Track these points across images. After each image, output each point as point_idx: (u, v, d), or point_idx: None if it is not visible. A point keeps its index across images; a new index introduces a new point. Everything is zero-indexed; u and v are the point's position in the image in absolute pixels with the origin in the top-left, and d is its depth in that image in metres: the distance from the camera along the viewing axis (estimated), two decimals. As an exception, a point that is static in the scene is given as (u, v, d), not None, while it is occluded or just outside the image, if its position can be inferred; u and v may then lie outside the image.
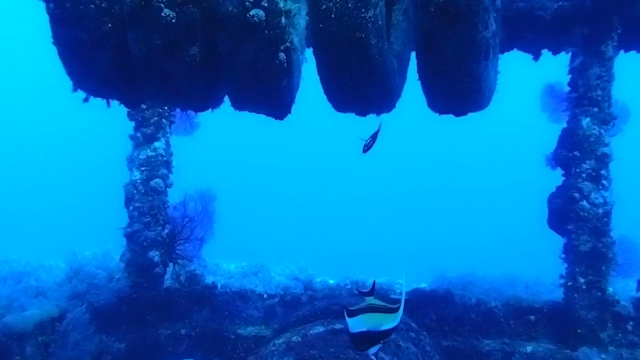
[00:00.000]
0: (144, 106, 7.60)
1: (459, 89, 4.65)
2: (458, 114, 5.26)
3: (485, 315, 7.87)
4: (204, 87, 5.10)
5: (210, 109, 5.60)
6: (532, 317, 7.75)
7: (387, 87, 5.02)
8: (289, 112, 5.48)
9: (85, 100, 5.19)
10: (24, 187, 54.33)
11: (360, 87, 4.97)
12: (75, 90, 4.89)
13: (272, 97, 5.06)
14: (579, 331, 7.23)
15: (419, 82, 5.20)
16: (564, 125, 7.68)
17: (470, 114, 5.44)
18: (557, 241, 7.88)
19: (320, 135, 59.68)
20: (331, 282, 10.13)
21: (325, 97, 5.35)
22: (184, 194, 8.55)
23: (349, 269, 11.25)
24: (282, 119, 5.50)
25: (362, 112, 5.47)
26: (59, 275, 9.12)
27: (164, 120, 8.07)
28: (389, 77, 4.87)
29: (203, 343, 7.85)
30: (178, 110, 8.00)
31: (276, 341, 5.62)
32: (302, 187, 58.20)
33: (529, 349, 7.44)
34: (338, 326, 5.54)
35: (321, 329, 5.55)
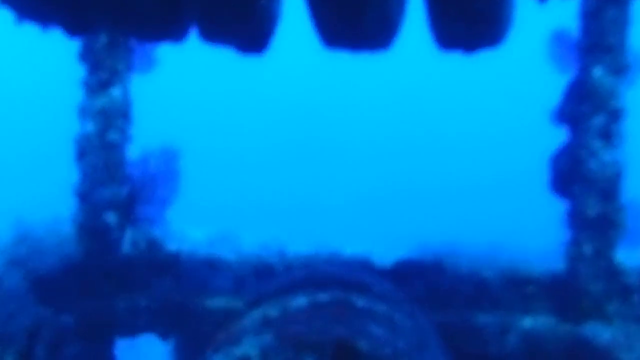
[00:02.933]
0: (97, 40, 6.70)
1: (476, 7, 3.97)
2: (468, 48, 4.59)
3: (478, 286, 7.40)
4: (163, 11, 4.32)
5: (172, 41, 4.80)
6: (530, 288, 7.28)
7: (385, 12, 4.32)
8: (268, 45, 4.74)
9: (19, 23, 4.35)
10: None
11: (356, 12, 4.26)
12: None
13: (247, 22, 4.31)
14: (582, 304, 6.78)
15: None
16: (573, 76, 7.10)
17: (480, 52, 4.79)
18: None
19: (300, 79, 57.72)
20: (304, 251, 9.57)
21: (310, 30, 4.65)
22: (144, 150, 7.75)
23: (323, 235, 10.70)
24: (261, 53, 4.75)
25: (355, 48, 4.77)
26: (3, 241, 8.28)
27: (121, 64, 7.21)
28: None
29: (165, 316, 7.24)
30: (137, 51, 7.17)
31: (250, 315, 4.99)
32: (276, 140, 56.62)
33: (527, 323, 7.00)
34: (322, 297, 4.92)
35: (303, 300, 4.93)
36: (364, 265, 7.51)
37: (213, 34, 4.56)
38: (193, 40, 4.77)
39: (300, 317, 4.58)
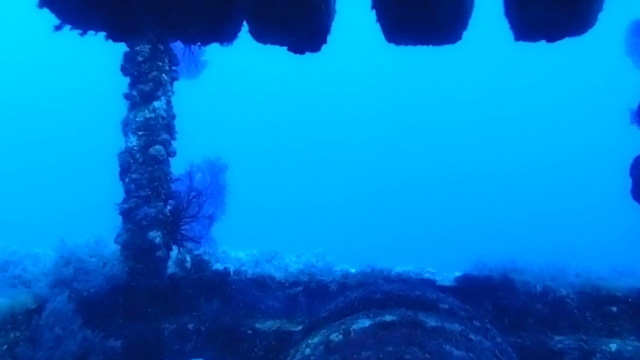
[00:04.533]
0: (139, 51, 6.46)
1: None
2: (553, 35, 4.12)
3: (554, 305, 6.77)
4: (214, 6, 4.01)
5: (221, 41, 4.49)
6: (614, 309, 6.63)
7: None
8: (325, 41, 4.38)
9: (58, 28, 4.10)
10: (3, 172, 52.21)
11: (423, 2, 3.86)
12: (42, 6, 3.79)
13: (304, 15, 3.95)
14: (676, 324, 6.10)
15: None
16: (655, 72, 6.51)
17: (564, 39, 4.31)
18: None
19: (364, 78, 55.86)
20: (352, 270, 9.12)
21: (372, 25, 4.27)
22: (189, 164, 7.48)
23: (368, 257, 10.26)
24: (317, 50, 4.39)
25: (422, 40, 4.36)
26: (47, 265, 8.11)
27: (164, 75, 6.97)
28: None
29: (214, 340, 6.84)
30: (180, 59, 6.92)
31: (310, 341, 4.55)
32: (323, 159, 55.79)
33: (613, 347, 6.32)
34: (388, 318, 4.44)
35: (367, 322, 4.46)
36: (423, 282, 7.00)
37: (266, 31, 4.23)
38: (244, 40, 4.46)
39: (368, 341, 4.11)
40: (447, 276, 8.67)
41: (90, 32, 4.02)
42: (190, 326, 6.77)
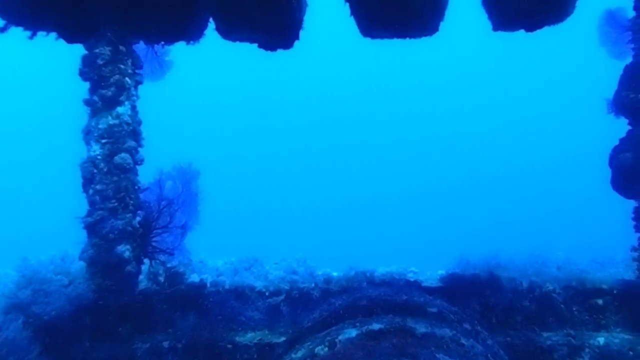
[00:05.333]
0: (99, 54, 6.13)
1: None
2: (532, 24, 3.99)
3: (541, 301, 6.69)
4: (176, 2, 3.77)
5: (186, 40, 4.26)
6: (600, 301, 6.57)
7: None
8: (297, 37, 4.18)
9: (3, 30, 3.80)
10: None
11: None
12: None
13: (273, 10, 3.74)
14: (663, 315, 6.06)
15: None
16: (629, 60, 6.46)
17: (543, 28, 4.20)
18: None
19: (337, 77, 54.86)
20: (335, 274, 8.94)
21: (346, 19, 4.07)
22: (158, 172, 7.18)
23: (350, 259, 10.09)
24: (289, 47, 4.18)
25: (399, 33, 4.19)
26: (8, 286, 7.70)
27: (127, 79, 6.66)
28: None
29: (192, 357, 6.55)
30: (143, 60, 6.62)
31: (293, 355, 4.32)
32: (298, 162, 55.00)
33: (600, 340, 6.25)
34: (376, 326, 4.24)
35: (354, 332, 4.24)
36: (409, 285, 6.85)
37: (233, 28, 4.01)
38: (210, 38, 4.23)
39: (356, 354, 3.91)
40: (431, 275, 8.55)
41: (41, 34, 3.73)
42: (166, 344, 6.46)
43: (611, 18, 6.81)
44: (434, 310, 4.60)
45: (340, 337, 4.22)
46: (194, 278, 7.63)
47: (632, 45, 6.42)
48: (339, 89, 57.61)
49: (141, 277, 7.04)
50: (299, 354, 4.32)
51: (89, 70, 6.47)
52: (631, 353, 6.05)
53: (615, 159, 6.65)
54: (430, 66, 54.39)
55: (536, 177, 48.52)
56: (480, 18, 4.36)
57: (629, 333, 6.34)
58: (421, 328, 4.07)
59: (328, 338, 4.29)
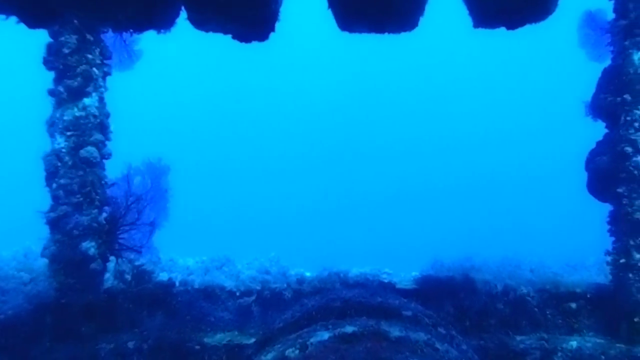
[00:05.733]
0: (64, 42, 5.92)
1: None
2: (513, 22, 3.95)
3: (515, 305, 6.68)
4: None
5: (157, 29, 4.10)
6: (573, 305, 6.59)
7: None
8: (273, 28, 4.06)
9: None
10: None
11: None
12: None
13: (249, 0, 3.62)
14: (635, 319, 6.08)
15: None
16: (608, 63, 6.49)
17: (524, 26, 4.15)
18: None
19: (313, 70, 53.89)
20: (308, 274, 8.85)
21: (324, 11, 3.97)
22: (127, 166, 6.99)
23: (324, 260, 10.02)
24: (265, 39, 4.06)
25: (377, 27, 4.10)
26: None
27: (95, 69, 6.47)
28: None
29: (158, 358, 6.37)
30: (112, 55, 6.43)
31: (263, 357, 4.21)
32: (273, 157, 53.89)
33: (573, 344, 6.27)
34: (349, 329, 4.15)
35: (326, 335, 4.14)
36: (384, 287, 6.78)
37: (206, 18, 3.87)
38: (182, 27, 4.09)
39: (327, 356, 3.81)
40: (404, 277, 8.50)
41: (0, 17, 3.55)
42: (131, 344, 6.28)
43: (591, 20, 6.84)
44: (409, 313, 4.53)
45: (312, 340, 4.11)
46: (163, 277, 7.46)
47: (611, 48, 6.45)
48: (316, 84, 57.21)
49: (107, 275, 6.85)
50: (269, 356, 4.21)
51: (54, 59, 6.27)
52: (603, 357, 6.07)
53: (592, 162, 6.67)
54: (409, 63, 54.43)
55: (512, 180, 49.03)
56: (460, 14, 4.31)
57: (601, 337, 6.37)
58: (395, 331, 3.99)
59: (299, 340, 4.18)
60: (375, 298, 4.99)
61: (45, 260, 6.58)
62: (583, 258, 10.07)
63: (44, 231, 6.46)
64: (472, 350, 5.01)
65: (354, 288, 6.27)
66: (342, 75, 56.88)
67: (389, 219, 46.21)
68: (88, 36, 6.02)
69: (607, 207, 6.70)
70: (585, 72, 6.91)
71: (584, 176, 6.85)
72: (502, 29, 4.36)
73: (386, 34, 4.21)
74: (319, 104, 57.28)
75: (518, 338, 6.44)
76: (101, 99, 6.59)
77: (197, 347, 6.38)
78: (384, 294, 5.24)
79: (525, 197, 45.60)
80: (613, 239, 6.51)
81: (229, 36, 4.11)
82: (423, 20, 4.21)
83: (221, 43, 4.24)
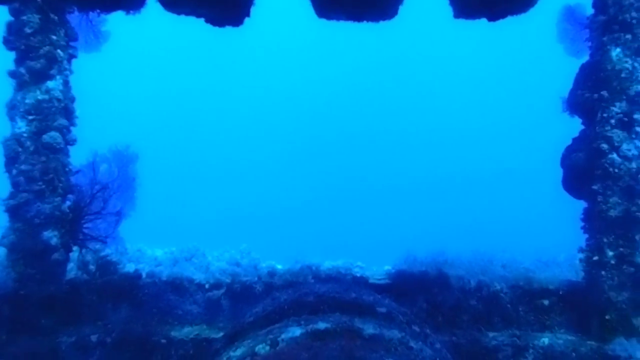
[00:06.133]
0: (27, 21, 5.68)
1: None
2: (495, 13, 3.90)
3: (488, 301, 6.70)
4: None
5: (125, 9, 3.94)
6: (546, 302, 6.63)
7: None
8: (248, 13, 3.94)
9: None
10: None
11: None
12: None
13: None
14: (607, 317, 6.14)
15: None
16: (586, 58, 6.52)
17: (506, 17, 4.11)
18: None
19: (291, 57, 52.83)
20: (279, 267, 8.78)
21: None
22: (92, 153, 6.80)
23: (296, 252, 9.95)
24: (239, 24, 3.94)
25: (355, 15, 4.00)
26: None
27: (59, 51, 6.23)
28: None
29: (122, 352, 6.22)
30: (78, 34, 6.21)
31: (232, 353, 4.10)
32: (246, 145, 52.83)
33: (545, 341, 6.31)
34: (322, 325, 4.07)
35: (298, 331, 4.05)
36: (358, 282, 6.74)
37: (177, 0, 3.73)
38: (152, 9, 3.93)
39: (299, 354, 3.73)
40: (377, 271, 8.47)
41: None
42: (94, 337, 6.11)
43: (570, 14, 6.85)
44: (383, 310, 4.47)
45: (283, 336, 4.02)
46: (130, 267, 7.29)
47: (589, 44, 6.47)
48: (293, 73, 56.54)
49: (70, 265, 6.65)
50: (238, 352, 4.11)
51: (15, 38, 6.02)
52: (574, 354, 6.13)
53: (568, 159, 6.70)
54: (388, 54, 54.22)
55: (487, 174, 49.40)
56: (441, 4, 4.24)
57: (572, 334, 6.42)
58: (369, 329, 3.92)
59: (270, 336, 4.09)
60: (349, 293, 4.92)
61: (3, 250, 6.37)
62: (555, 254, 10.16)
63: (3, 219, 6.25)
64: (445, 349, 4.99)
65: (328, 282, 6.20)
66: (320, 65, 56.48)
67: (362, 212, 46.30)
68: (52, 16, 5.79)
69: (579, 204, 6.75)
70: (563, 68, 6.92)
71: (559, 172, 6.88)
72: (483, 21, 4.32)
73: (365, 22, 4.11)
74: (295, 93, 56.76)
75: (490, 334, 6.45)
76: (66, 82, 6.37)
77: (164, 341, 6.25)
78: (358, 290, 5.18)
79: (499, 192, 46.10)
80: (587, 236, 6.57)
81: (202, 20, 3.97)
82: (404, 10, 4.14)
83: (195, 27, 4.09)
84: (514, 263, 9.63)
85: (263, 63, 54.99)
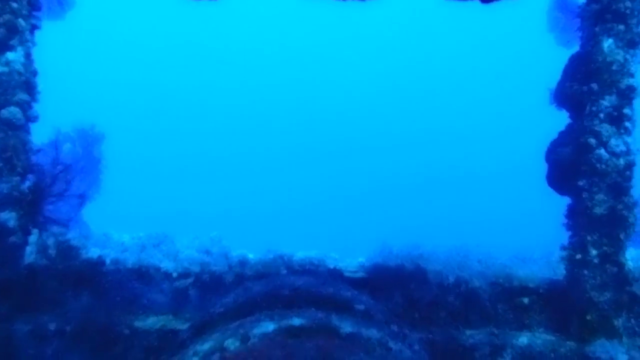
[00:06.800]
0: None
1: None
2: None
3: (466, 297, 6.60)
4: None
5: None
6: (525, 300, 6.56)
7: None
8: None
9: None
10: None
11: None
12: None
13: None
14: (588, 317, 6.09)
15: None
16: (577, 49, 6.44)
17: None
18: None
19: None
20: (251, 256, 8.60)
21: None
22: (55, 132, 6.52)
23: (268, 241, 9.78)
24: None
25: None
26: None
27: (21, 20, 5.92)
28: None
29: (82, 341, 6.01)
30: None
31: (199, 347, 3.92)
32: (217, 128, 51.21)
33: (523, 340, 6.24)
34: (297, 321, 3.90)
35: (271, 326, 3.89)
36: (334, 275, 6.58)
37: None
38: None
39: (272, 352, 3.56)
40: (351, 263, 8.35)
41: None
42: (52, 326, 5.90)
43: (561, 2, 6.75)
44: (361, 307, 4.33)
45: (255, 331, 3.85)
46: (94, 252, 7.03)
47: (580, 34, 6.37)
48: (271, 52, 55.31)
49: (29, 249, 6.38)
50: (206, 345, 3.93)
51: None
52: (553, 355, 6.07)
53: (553, 153, 6.61)
54: (373, 36, 53.50)
55: (464, 169, 49.55)
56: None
57: (551, 334, 6.36)
58: (347, 327, 3.77)
59: (241, 331, 3.91)
60: (326, 288, 4.76)
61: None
62: (531, 251, 10.13)
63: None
64: (422, 347, 4.88)
65: (303, 275, 6.04)
66: (299, 44, 55.38)
67: (337, 205, 46.22)
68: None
69: (556, 201, 6.69)
70: (553, 58, 6.82)
71: (540, 167, 6.81)
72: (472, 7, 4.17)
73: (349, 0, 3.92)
74: (272, 74, 55.58)
75: (468, 332, 6.37)
76: (28, 55, 6.07)
77: (127, 331, 6.06)
78: (336, 284, 5.02)
79: (476, 186, 46.37)
80: (570, 233, 6.50)
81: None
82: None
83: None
84: (490, 259, 9.60)
85: (241, 40, 53.76)
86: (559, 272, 7.15)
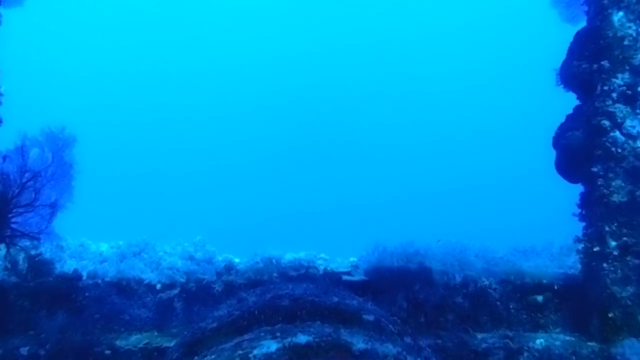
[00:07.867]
0: None
1: None
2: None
3: (475, 298, 6.30)
4: None
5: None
6: (539, 298, 6.26)
7: None
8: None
9: None
10: None
11: None
12: None
13: None
14: (610, 315, 5.77)
15: None
16: (583, 25, 6.17)
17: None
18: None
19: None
20: (237, 260, 8.27)
21: None
22: (21, 136, 6.16)
23: (254, 244, 9.45)
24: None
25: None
26: None
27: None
28: None
29: (58, 365, 5.66)
30: None
31: (187, 372, 3.54)
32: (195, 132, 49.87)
33: (540, 342, 5.93)
34: (302, 339, 3.51)
35: (274, 345, 3.50)
36: (332, 279, 6.25)
37: None
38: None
39: (275, 379, 3.19)
40: (342, 262, 8.07)
41: None
42: (24, 350, 5.66)
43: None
44: (371, 318, 3.95)
45: (256, 352, 3.45)
46: (70, 265, 6.69)
47: (586, 8, 6.10)
48: (254, 45, 54.00)
49: (-4, 266, 6.04)
50: (198, 368, 3.55)
51: None
52: (574, 358, 5.76)
53: (562, 138, 6.32)
54: (373, 38, 52.71)
55: (458, 159, 49.15)
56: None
57: (569, 334, 6.06)
58: (359, 343, 3.40)
59: (239, 351, 3.52)
60: (330, 297, 4.37)
61: None
62: (532, 244, 9.87)
63: None
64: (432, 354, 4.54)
65: (301, 282, 5.68)
66: (297, 45, 54.22)
67: (323, 203, 45.91)
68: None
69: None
70: (557, 36, 6.53)
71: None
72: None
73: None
74: (255, 69, 54.41)
75: (479, 336, 6.07)
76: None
77: (108, 351, 5.81)
78: (338, 291, 4.64)
79: (474, 187, 46.07)
80: (584, 224, 6.20)
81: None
82: None
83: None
84: (489, 252, 9.31)
85: (220, 33, 52.43)
86: (565, 264, 6.88)
